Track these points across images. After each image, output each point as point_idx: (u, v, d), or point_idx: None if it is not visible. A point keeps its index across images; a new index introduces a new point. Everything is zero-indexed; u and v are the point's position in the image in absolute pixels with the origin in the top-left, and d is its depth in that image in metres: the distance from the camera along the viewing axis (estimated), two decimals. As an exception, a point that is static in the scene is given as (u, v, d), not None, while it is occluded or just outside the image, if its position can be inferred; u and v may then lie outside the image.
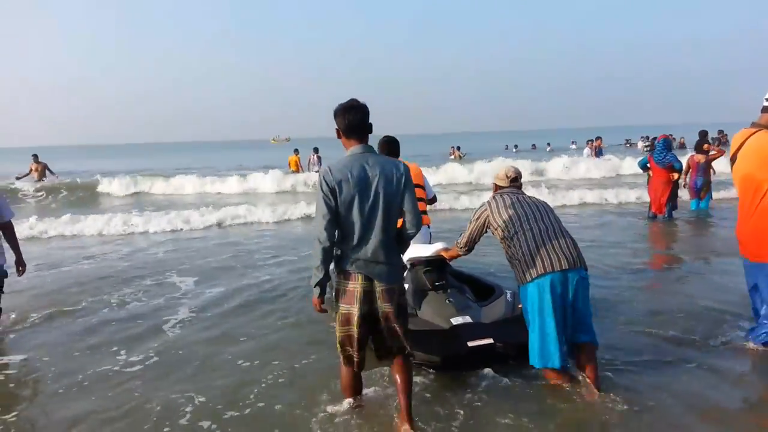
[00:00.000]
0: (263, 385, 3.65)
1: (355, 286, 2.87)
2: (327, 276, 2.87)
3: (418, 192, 4.09)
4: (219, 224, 10.97)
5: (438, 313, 3.74)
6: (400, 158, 3.78)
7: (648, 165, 9.66)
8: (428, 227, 4.72)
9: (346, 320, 2.92)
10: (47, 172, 19.04)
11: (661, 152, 9.41)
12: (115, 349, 4.45)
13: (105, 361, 4.21)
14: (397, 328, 2.92)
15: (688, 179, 10.27)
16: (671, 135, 9.82)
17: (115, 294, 6.03)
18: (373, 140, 3.17)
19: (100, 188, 18.31)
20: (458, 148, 32.72)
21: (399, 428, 2.91)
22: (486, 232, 3.51)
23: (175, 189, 18.41)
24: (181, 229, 10.52)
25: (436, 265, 3.98)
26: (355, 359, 2.99)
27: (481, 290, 4.40)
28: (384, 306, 2.89)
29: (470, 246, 3.61)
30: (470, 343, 3.44)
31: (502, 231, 3.34)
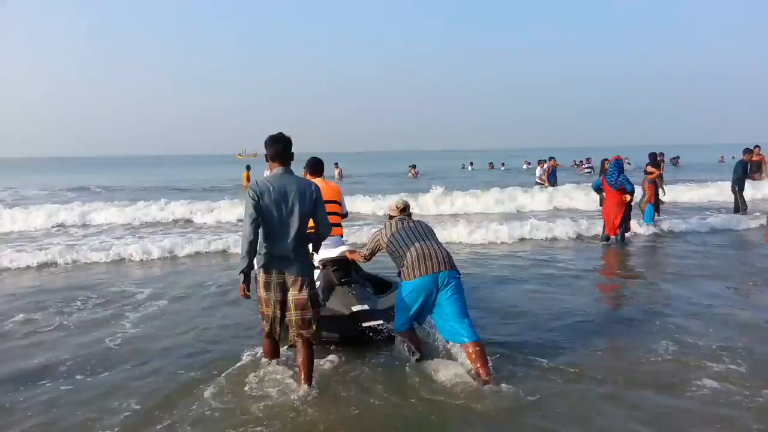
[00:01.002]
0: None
1: (271, 278, 3.75)
2: (250, 266, 3.67)
3: (335, 207, 5.06)
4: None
5: (341, 302, 4.68)
6: (323, 177, 5.15)
7: (601, 187, 9.86)
8: (341, 237, 5.38)
9: (266, 303, 3.80)
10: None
11: (612, 174, 9.60)
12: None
13: None
14: (310, 316, 3.77)
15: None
16: (627, 158, 10.14)
17: None
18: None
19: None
20: (414, 167, 33.18)
21: (300, 386, 3.80)
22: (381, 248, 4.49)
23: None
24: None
25: (342, 264, 4.93)
26: (274, 332, 3.92)
27: (384, 286, 5.49)
28: (296, 294, 3.76)
29: (370, 257, 4.62)
30: (363, 324, 4.51)
31: (390, 247, 4.34)
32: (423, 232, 4.37)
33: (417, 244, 4.20)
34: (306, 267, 3.84)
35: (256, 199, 3.62)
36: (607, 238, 9.75)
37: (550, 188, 18.11)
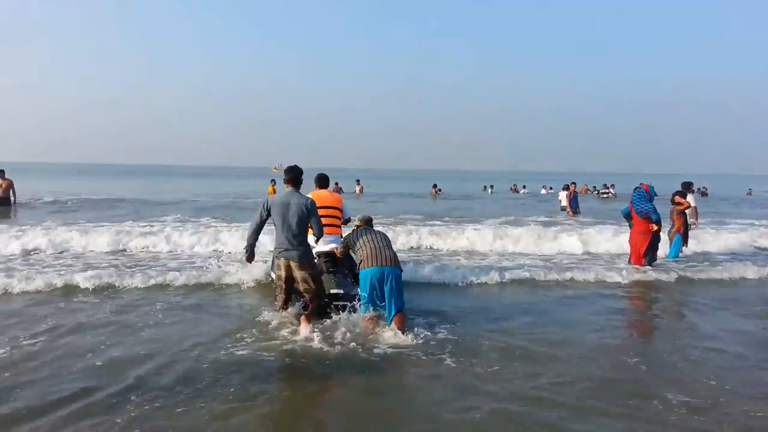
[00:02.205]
0: None
1: (279, 262, 5.77)
2: (248, 246, 5.84)
3: (335, 212, 6.81)
4: None
5: (325, 285, 6.11)
6: (328, 189, 7.06)
7: (630, 214, 9.62)
8: (339, 236, 6.78)
9: (278, 277, 5.91)
10: (11, 191, 18.29)
11: (639, 201, 9.38)
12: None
13: None
14: (312, 284, 5.71)
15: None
16: (651, 186, 9.80)
17: None
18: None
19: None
20: (435, 186, 33.16)
21: (306, 325, 5.59)
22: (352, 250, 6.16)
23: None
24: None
25: (331, 257, 6.56)
26: (283, 295, 5.95)
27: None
28: (300, 273, 5.71)
29: (344, 253, 6.37)
30: (334, 302, 6.08)
31: (355, 247, 6.05)
32: (379, 238, 6.08)
33: (372, 245, 5.92)
34: (305, 254, 5.72)
35: (267, 209, 5.71)
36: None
37: (574, 217, 18.07)
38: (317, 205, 5.93)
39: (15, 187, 18.39)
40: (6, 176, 18.22)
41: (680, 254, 10.56)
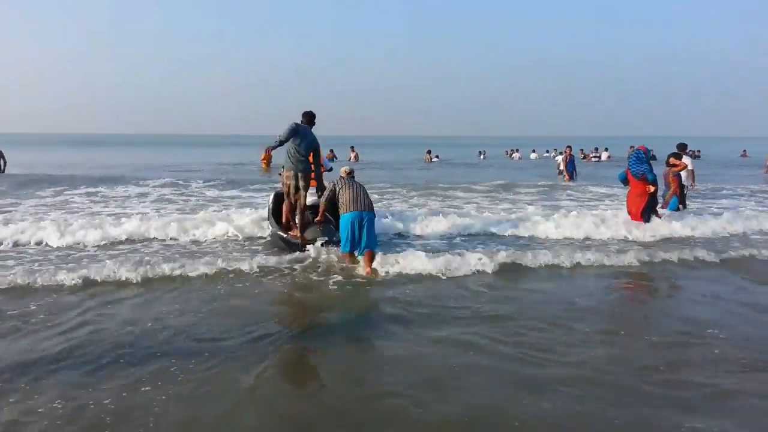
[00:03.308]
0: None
1: (289, 172, 7.59)
2: (280, 143, 7.43)
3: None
4: None
5: (311, 233, 7.58)
6: (325, 156, 10.30)
7: (627, 178, 9.58)
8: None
9: (287, 187, 7.69)
10: (2, 160, 18.15)
11: (636, 163, 9.33)
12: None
13: None
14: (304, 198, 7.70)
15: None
16: (651, 149, 9.73)
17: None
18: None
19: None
20: (430, 152, 33.24)
21: (295, 230, 7.79)
22: (335, 197, 7.26)
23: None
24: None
25: (314, 209, 7.89)
26: (291, 198, 7.72)
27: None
28: (301, 183, 7.59)
29: (328, 203, 7.44)
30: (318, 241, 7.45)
31: (339, 196, 7.20)
32: (357, 187, 7.28)
33: (351, 193, 7.13)
34: (307, 169, 7.64)
35: (293, 133, 7.46)
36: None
37: (571, 182, 18.14)
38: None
39: (5, 156, 18.29)
40: (-5, 146, 18.10)
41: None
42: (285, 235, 7.74)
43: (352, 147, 32.33)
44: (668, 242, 8.74)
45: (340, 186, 7.25)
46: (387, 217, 9.70)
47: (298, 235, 7.61)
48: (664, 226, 9.32)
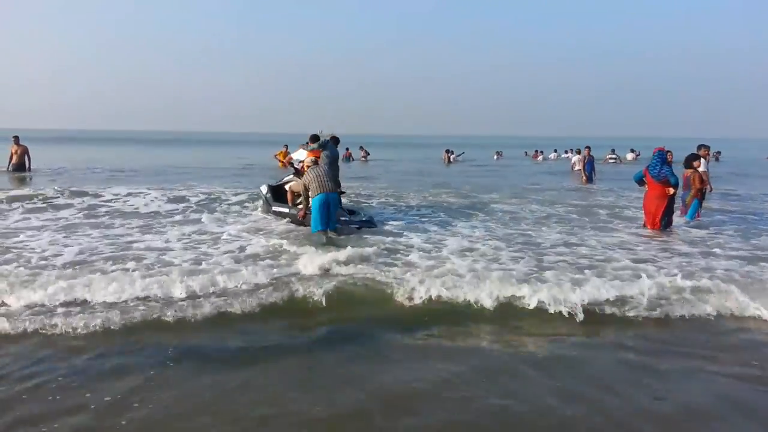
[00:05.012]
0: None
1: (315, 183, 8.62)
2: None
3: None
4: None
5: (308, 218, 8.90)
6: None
7: (643, 179, 9.49)
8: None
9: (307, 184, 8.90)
10: (27, 158, 18.40)
11: (656, 166, 9.22)
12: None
13: None
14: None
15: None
16: (670, 151, 9.60)
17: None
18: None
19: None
20: (448, 152, 33.35)
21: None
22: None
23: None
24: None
25: (280, 191, 10.26)
26: (303, 194, 9.19)
27: (353, 212, 9.99)
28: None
29: (307, 188, 8.52)
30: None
31: (309, 180, 8.38)
32: (325, 171, 8.56)
33: (320, 178, 8.33)
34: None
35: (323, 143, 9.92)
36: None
37: (589, 184, 18.10)
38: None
39: (30, 153, 18.58)
40: (21, 142, 18.38)
41: (696, 218, 10.40)
42: (286, 210, 9.58)
43: (362, 146, 34.31)
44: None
45: (310, 172, 8.45)
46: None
47: (302, 214, 8.92)
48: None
